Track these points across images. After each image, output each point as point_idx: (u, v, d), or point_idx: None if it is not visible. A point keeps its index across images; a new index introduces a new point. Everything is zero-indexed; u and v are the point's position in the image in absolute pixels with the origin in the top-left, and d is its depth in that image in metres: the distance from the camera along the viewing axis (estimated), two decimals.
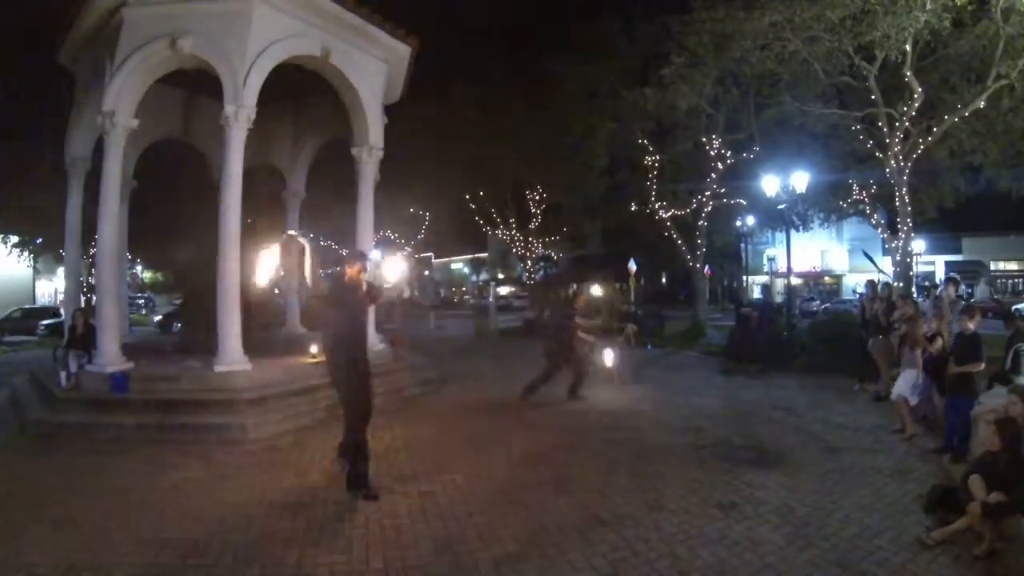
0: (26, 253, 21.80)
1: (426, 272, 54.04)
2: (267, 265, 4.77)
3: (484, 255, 48.13)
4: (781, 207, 13.30)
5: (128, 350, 7.78)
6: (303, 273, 4.72)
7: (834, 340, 10.21)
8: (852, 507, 4.30)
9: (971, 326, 5.69)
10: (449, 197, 24.94)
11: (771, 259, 32.08)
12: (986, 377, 6.51)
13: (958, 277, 11.08)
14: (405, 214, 27.43)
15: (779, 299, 22.49)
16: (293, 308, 12.44)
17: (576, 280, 36.36)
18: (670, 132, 16.83)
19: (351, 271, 4.59)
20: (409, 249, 32.70)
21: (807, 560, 3.54)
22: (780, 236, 21.85)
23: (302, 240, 4.78)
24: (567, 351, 8.01)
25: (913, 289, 13.07)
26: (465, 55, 22.17)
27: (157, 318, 21.76)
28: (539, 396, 8.06)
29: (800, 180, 11.77)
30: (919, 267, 27.20)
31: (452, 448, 5.91)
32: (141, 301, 31.34)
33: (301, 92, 10.00)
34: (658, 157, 17.04)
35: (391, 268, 5.48)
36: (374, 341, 8.93)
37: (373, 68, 9.06)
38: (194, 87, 9.93)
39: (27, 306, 22.18)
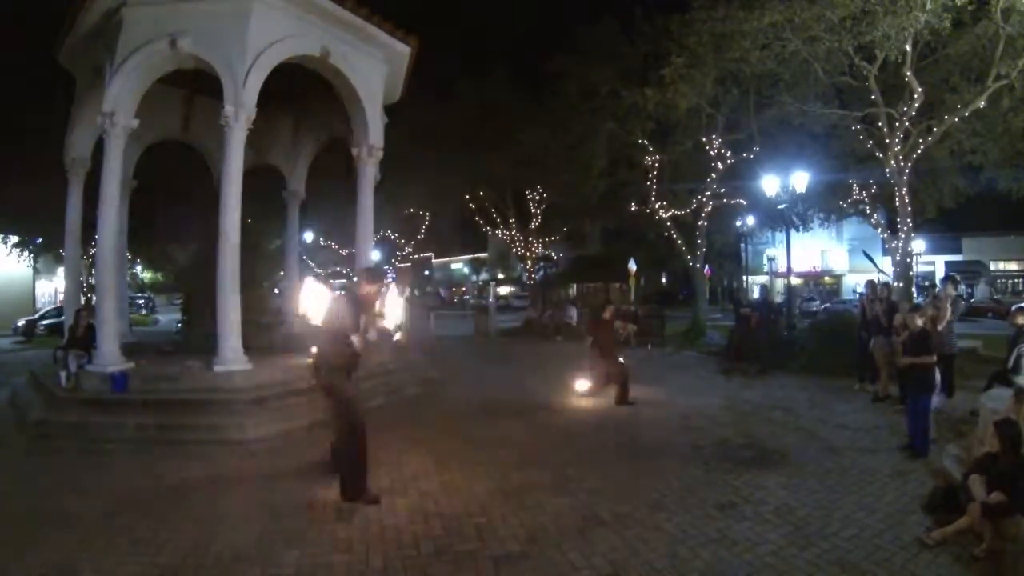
0: (26, 253, 21.79)
1: (426, 272, 54.03)
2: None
3: (484, 255, 48.12)
4: (781, 207, 13.30)
5: (128, 350, 7.79)
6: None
7: (834, 340, 10.20)
8: (852, 507, 4.29)
9: (920, 323, 5.74)
10: (449, 197, 24.92)
11: (771, 259, 32.07)
12: (986, 377, 6.54)
13: (957, 276, 11.07)
14: (405, 214, 27.41)
15: (779, 299, 22.48)
16: (293, 308, 12.44)
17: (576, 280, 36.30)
18: (670, 132, 16.81)
19: (370, 288, 4.52)
20: (409, 248, 32.67)
21: (807, 560, 3.53)
22: (780, 236, 21.83)
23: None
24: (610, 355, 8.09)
25: (913, 289, 13.06)
26: (465, 55, 22.15)
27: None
28: (539, 397, 8.16)
29: (800, 180, 11.76)
30: (919, 267, 27.21)
31: (452, 448, 5.91)
32: (141, 301, 31.33)
33: (301, 92, 10.00)
34: (658, 157, 17.03)
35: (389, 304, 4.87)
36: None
37: (373, 68, 9.06)
38: (194, 87, 9.94)
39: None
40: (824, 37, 10.65)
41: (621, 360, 8.09)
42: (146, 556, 3.56)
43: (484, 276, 48.47)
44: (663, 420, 7.01)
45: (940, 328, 6.64)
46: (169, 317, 25.33)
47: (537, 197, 24.23)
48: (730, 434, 6.34)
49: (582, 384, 8.25)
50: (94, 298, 8.86)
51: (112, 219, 7.47)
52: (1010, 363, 5.81)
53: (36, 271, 25.00)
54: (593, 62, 17.24)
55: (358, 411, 4.48)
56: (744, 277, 31.38)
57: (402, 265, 35.29)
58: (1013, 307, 6.20)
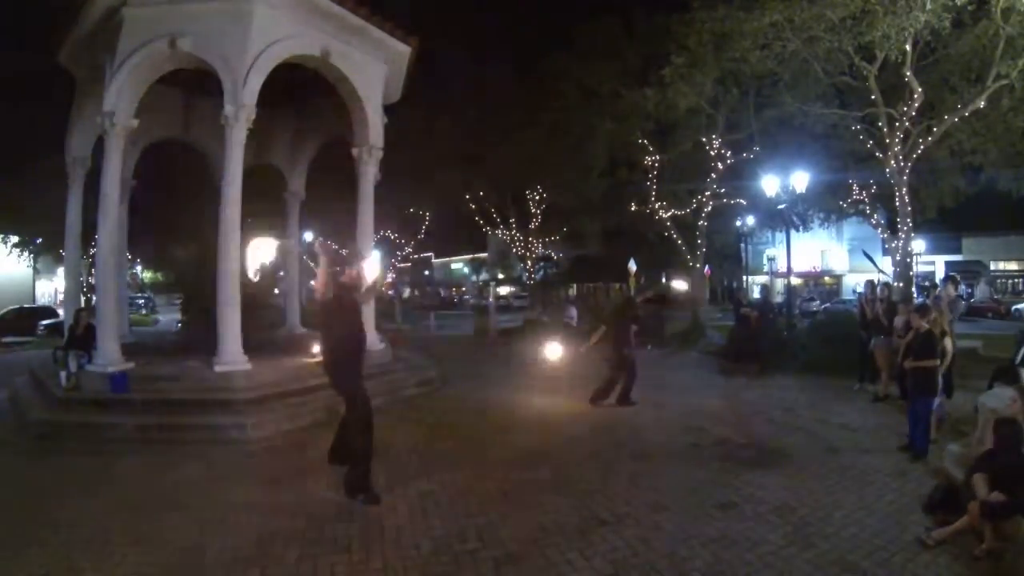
0: (26, 253, 21.82)
1: (426, 272, 54.05)
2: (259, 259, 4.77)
3: (484, 255, 48.12)
4: (781, 207, 13.30)
5: (128, 350, 7.78)
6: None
7: (834, 340, 10.19)
8: (852, 507, 4.29)
9: (925, 324, 5.72)
10: (449, 197, 24.95)
11: (771, 259, 32.06)
12: (986, 377, 6.53)
13: (957, 276, 11.09)
14: (405, 214, 27.43)
15: (779, 299, 22.48)
16: (293, 308, 12.45)
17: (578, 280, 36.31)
18: (670, 132, 16.85)
19: (353, 273, 4.60)
20: (409, 248, 32.69)
21: (807, 560, 3.53)
22: (780, 236, 21.83)
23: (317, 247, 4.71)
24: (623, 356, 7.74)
25: (913, 289, 13.07)
26: (465, 55, 22.21)
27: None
28: (538, 397, 8.13)
29: (800, 180, 11.77)
30: (919, 267, 27.21)
31: (451, 448, 5.91)
32: (141, 301, 31.34)
33: (301, 92, 9.99)
34: (658, 157, 17.06)
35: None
36: (374, 341, 8.93)
37: (373, 68, 9.05)
38: (194, 87, 9.93)
39: (25, 305, 22.21)
40: (824, 37, 10.67)
41: (633, 359, 7.87)
42: (146, 556, 3.56)
43: (484, 276, 48.45)
44: (663, 420, 7.00)
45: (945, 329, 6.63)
46: (169, 317, 25.33)
47: (537, 197, 24.25)
48: (730, 434, 6.33)
49: (553, 350, 8.13)
50: (94, 298, 8.87)
51: (112, 219, 7.46)
52: (1018, 358, 5.82)
53: (36, 271, 25.05)
54: (593, 62, 17.27)
55: (369, 407, 4.54)
56: (744, 277, 31.40)
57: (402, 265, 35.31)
58: (1012, 308, 6.20)
